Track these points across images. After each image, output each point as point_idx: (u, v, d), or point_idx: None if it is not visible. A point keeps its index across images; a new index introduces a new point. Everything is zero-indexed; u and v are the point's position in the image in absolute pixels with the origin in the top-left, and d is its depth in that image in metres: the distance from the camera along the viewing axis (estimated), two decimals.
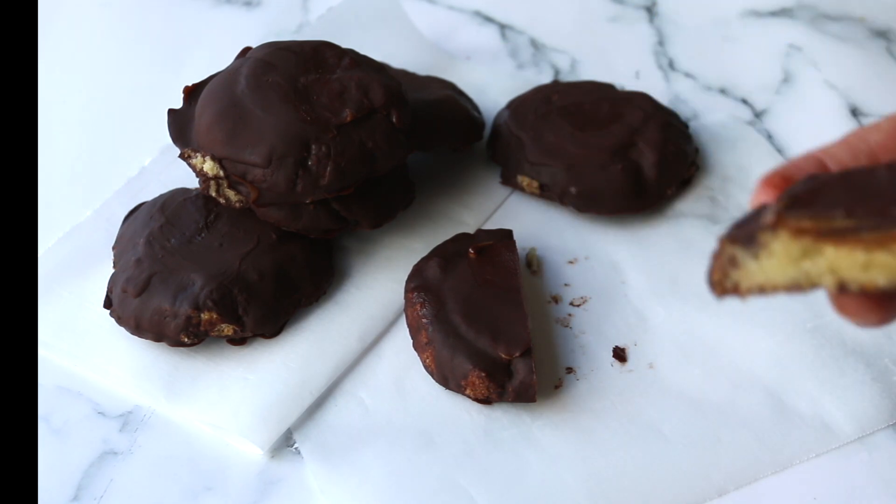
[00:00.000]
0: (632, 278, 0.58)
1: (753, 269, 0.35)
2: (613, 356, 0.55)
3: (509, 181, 0.62)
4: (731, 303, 0.56)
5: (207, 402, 0.53)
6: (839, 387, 0.53)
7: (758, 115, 0.69)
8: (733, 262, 0.35)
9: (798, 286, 0.35)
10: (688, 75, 0.72)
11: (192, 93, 0.57)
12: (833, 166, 0.39)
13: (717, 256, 0.36)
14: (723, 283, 0.36)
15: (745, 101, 0.70)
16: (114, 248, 0.58)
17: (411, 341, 0.54)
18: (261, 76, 0.55)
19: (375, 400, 0.53)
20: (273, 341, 0.55)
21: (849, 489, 0.49)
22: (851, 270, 0.34)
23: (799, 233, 0.34)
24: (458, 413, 0.52)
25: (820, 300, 0.56)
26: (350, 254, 0.59)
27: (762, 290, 0.35)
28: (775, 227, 0.34)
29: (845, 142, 0.40)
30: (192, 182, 0.59)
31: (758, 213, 0.36)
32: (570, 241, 0.60)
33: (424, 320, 0.53)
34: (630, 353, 0.55)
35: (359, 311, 0.56)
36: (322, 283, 0.57)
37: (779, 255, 0.35)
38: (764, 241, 0.35)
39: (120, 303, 0.54)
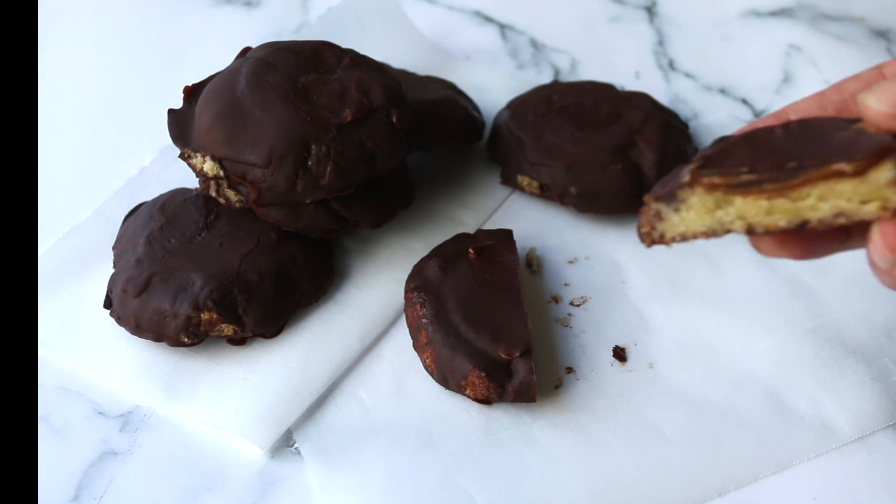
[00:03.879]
0: (632, 278, 0.58)
1: (675, 220, 0.42)
2: (613, 356, 0.55)
3: (509, 181, 0.62)
4: (732, 302, 0.57)
5: (207, 402, 0.53)
6: (839, 387, 0.52)
7: (758, 115, 0.69)
8: (658, 216, 0.42)
9: (714, 232, 0.42)
10: (688, 75, 0.72)
11: (192, 93, 0.57)
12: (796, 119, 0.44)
13: (645, 212, 0.43)
14: (651, 234, 0.43)
15: (745, 101, 0.70)
16: (114, 248, 0.58)
17: (411, 341, 0.54)
18: (261, 76, 0.55)
19: (375, 400, 0.53)
20: (273, 341, 0.55)
21: (849, 489, 0.49)
22: (757, 216, 0.41)
23: (711, 188, 0.41)
24: (458, 413, 0.52)
25: (820, 300, 0.56)
26: (350, 254, 0.59)
27: (684, 237, 0.42)
28: (692, 184, 0.41)
29: (819, 94, 0.45)
30: (192, 182, 0.59)
31: (677, 173, 0.42)
32: (570, 241, 0.60)
33: (424, 320, 0.53)
34: (630, 353, 0.55)
35: (359, 311, 0.56)
36: (322, 283, 0.57)
37: (696, 207, 0.41)
38: (683, 197, 0.41)
39: (120, 303, 0.54)
